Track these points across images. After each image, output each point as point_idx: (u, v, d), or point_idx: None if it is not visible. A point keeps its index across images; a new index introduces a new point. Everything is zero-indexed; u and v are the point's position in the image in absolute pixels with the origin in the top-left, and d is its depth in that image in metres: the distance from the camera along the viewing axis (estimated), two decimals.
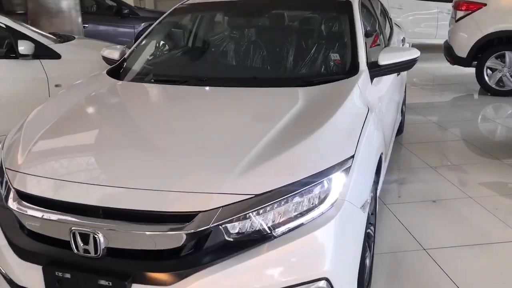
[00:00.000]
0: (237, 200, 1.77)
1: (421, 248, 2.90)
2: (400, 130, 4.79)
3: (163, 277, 1.74)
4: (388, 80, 3.29)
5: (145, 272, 1.76)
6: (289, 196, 1.82)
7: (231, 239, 1.77)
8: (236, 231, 1.78)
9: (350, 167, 1.97)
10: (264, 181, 1.84)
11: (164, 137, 2.22)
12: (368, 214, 2.19)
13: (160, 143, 2.19)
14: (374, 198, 2.59)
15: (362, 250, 2.08)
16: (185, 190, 1.82)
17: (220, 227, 1.76)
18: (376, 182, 2.53)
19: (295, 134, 2.07)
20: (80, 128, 2.40)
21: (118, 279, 1.76)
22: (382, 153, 2.55)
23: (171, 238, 1.75)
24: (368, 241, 2.49)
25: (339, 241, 1.86)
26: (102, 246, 1.79)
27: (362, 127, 2.20)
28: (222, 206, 1.76)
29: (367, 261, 2.39)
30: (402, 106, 4.74)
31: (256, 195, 1.79)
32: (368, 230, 2.52)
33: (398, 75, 3.67)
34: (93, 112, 2.63)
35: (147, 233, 1.76)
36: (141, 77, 2.99)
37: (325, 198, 1.88)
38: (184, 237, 1.74)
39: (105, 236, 1.79)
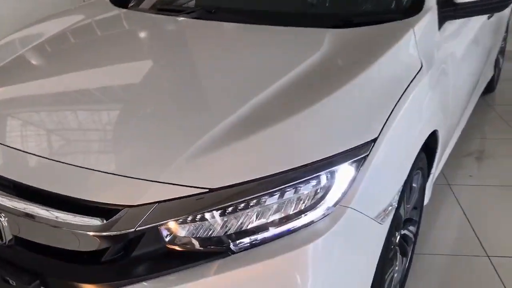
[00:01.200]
0: (182, 195, 1.22)
1: (484, 254, 2.20)
2: (490, 88, 3.87)
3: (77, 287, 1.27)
4: (474, 25, 2.46)
5: (57, 277, 1.29)
6: (261, 195, 1.23)
7: (175, 248, 1.24)
8: (183, 236, 1.24)
9: (366, 156, 1.33)
10: (227, 170, 1.26)
11: (124, 88, 1.67)
12: (397, 219, 1.55)
13: (118, 97, 1.64)
14: (420, 189, 1.91)
15: (381, 268, 1.47)
16: (111, 171, 1.28)
17: (159, 228, 1.23)
18: (422, 170, 1.84)
19: (294, 100, 1.43)
20: (32, 70, 1.90)
21: (22, 280, 1.31)
22: (436, 131, 1.83)
23: (82, 237, 1.26)
24: (403, 248, 1.85)
25: (334, 267, 1.26)
26: (7, 233, 1.35)
27: (402, 95, 1.50)
28: (159, 202, 1.21)
29: (395, 275, 1.76)
30: (497, 57, 3.79)
31: (211, 190, 1.21)
32: (405, 232, 1.87)
33: (490, 17, 2.78)
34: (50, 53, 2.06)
35: (55, 227, 1.28)
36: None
37: (318, 202, 1.27)
38: (98, 239, 1.23)
39: (11, 220, 1.33)
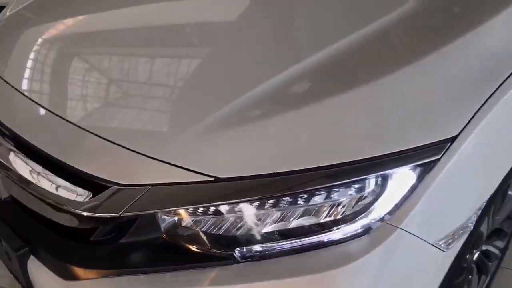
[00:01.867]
0: (181, 181, 0.96)
1: None
2: None
3: (62, 266, 1.08)
4: None
5: (44, 250, 1.12)
6: (282, 196, 0.93)
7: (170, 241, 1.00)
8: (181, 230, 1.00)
9: (437, 160, 0.96)
10: (243, 156, 0.97)
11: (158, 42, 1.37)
12: (475, 238, 1.18)
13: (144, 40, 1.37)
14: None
15: None
16: (107, 137, 1.03)
17: (156, 215, 0.99)
18: None
19: (351, 71, 1.08)
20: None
21: (11, 244, 1.15)
22: None
23: (65, 211, 1.05)
24: (483, 265, 1.47)
25: None
26: (2, 191, 1.19)
27: (507, 79, 1.08)
28: (153, 185, 0.97)
29: None
30: None
31: (218, 180, 0.94)
32: (488, 248, 1.49)
33: None
34: None
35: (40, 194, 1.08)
36: None
37: (359, 214, 0.95)
38: (80, 218, 1.02)
39: (4, 176, 1.17)
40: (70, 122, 1.10)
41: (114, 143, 1.03)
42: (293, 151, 0.96)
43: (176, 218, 0.98)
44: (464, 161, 0.99)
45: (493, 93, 1.04)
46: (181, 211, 0.97)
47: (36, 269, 1.12)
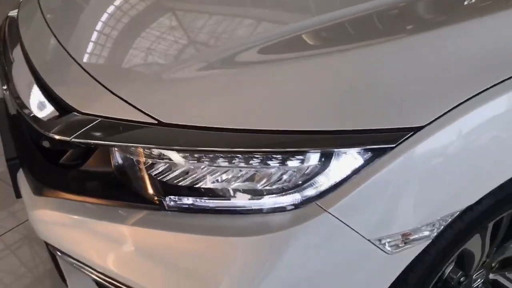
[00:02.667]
0: (129, 118, 0.97)
1: None
2: None
3: (32, 181, 1.15)
4: None
5: (26, 164, 1.20)
6: (221, 151, 0.90)
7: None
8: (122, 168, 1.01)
9: (390, 149, 0.85)
10: (190, 107, 0.95)
11: None
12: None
13: None
14: None
15: None
16: (85, 67, 1.08)
17: (112, 149, 1.02)
18: None
19: (322, 41, 1.00)
20: None
21: (7, 152, 1.24)
22: None
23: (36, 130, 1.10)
24: None
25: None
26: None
27: None
28: (103, 117, 0.99)
29: None
30: None
31: (161, 123, 0.93)
32: (497, 279, 1.31)
33: None
34: None
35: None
36: None
37: (292, 187, 0.88)
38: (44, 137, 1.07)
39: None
40: (68, 53, 1.17)
41: (89, 74, 1.07)
42: (239, 110, 0.92)
43: (124, 156, 1.00)
44: (427, 157, 0.87)
45: (485, 89, 0.89)
46: (125, 148, 0.98)
47: (22, 180, 1.22)
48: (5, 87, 1.30)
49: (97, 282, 1.12)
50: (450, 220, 0.95)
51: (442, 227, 0.95)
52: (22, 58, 1.28)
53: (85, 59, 1.13)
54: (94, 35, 1.24)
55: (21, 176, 1.23)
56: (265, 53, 1.01)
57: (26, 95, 1.17)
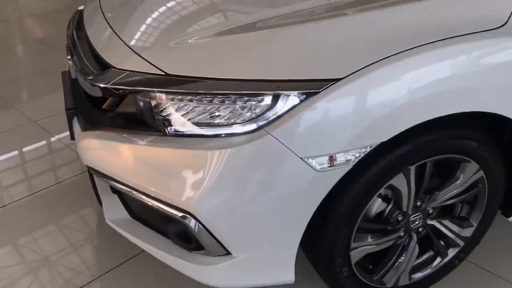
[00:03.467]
0: (145, 71, 1.40)
1: None
2: None
3: (82, 121, 1.63)
4: None
5: (79, 111, 1.68)
6: (206, 94, 1.30)
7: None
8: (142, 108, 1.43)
9: (316, 92, 1.23)
10: (191, 62, 1.40)
11: None
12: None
13: None
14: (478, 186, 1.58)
15: (334, 231, 1.41)
16: (122, 38, 1.58)
17: (137, 96, 1.45)
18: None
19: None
20: None
21: (67, 104, 1.74)
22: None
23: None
24: (428, 241, 1.64)
25: (232, 181, 1.29)
26: (72, 72, 1.78)
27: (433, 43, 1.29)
28: (130, 71, 1.42)
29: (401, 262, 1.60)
30: None
31: (167, 74, 1.35)
32: (434, 225, 1.63)
33: None
34: None
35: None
36: None
37: (252, 119, 1.28)
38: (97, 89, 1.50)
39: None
40: (113, 31, 1.65)
41: (124, 43, 1.53)
42: (220, 65, 1.35)
43: (143, 99, 1.43)
44: (345, 99, 1.25)
45: (388, 56, 1.25)
46: (142, 93, 1.40)
47: (76, 125, 1.68)
48: (69, 57, 1.79)
49: (120, 192, 1.55)
50: (368, 150, 1.30)
51: (361, 156, 1.30)
52: (84, 37, 1.76)
53: (123, 34, 1.61)
54: (132, 20, 1.72)
55: (75, 121, 1.70)
56: (232, 33, 1.45)
57: (84, 62, 1.64)
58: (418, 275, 1.70)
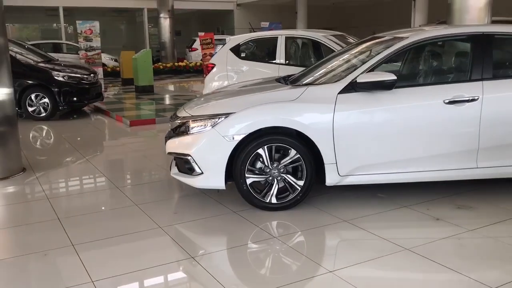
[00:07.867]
0: (190, 114, 4.41)
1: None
2: None
3: (165, 139, 4.63)
4: None
5: (168, 135, 4.72)
6: (200, 119, 4.26)
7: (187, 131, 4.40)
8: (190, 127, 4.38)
9: (220, 119, 4.19)
10: (202, 108, 4.48)
11: None
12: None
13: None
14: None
15: (240, 164, 4.15)
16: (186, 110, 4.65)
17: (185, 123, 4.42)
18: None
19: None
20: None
21: (166, 135, 4.81)
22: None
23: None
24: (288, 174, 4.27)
25: (203, 145, 4.20)
26: None
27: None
28: (191, 116, 4.44)
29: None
30: None
31: (193, 116, 4.34)
32: (284, 173, 4.27)
33: None
34: None
35: None
36: None
37: (210, 125, 4.18)
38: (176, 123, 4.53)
39: None
40: (185, 110, 4.78)
41: (185, 110, 4.64)
42: (212, 109, 4.36)
43: (186, 122, 4.43)
44: (236, 118, 4.19)
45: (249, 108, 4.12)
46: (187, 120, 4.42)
47: (168, 142, 4.72)
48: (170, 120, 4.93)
49: (175, 158, 4.56)
50: (245, 135, 4.10)
51: (242, 137, 4.13)
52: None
53: (187, 109, 4.73)
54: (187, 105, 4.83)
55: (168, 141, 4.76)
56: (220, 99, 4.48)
57: (172, 118, 4.77)
58: (283, 200, 4.23)
